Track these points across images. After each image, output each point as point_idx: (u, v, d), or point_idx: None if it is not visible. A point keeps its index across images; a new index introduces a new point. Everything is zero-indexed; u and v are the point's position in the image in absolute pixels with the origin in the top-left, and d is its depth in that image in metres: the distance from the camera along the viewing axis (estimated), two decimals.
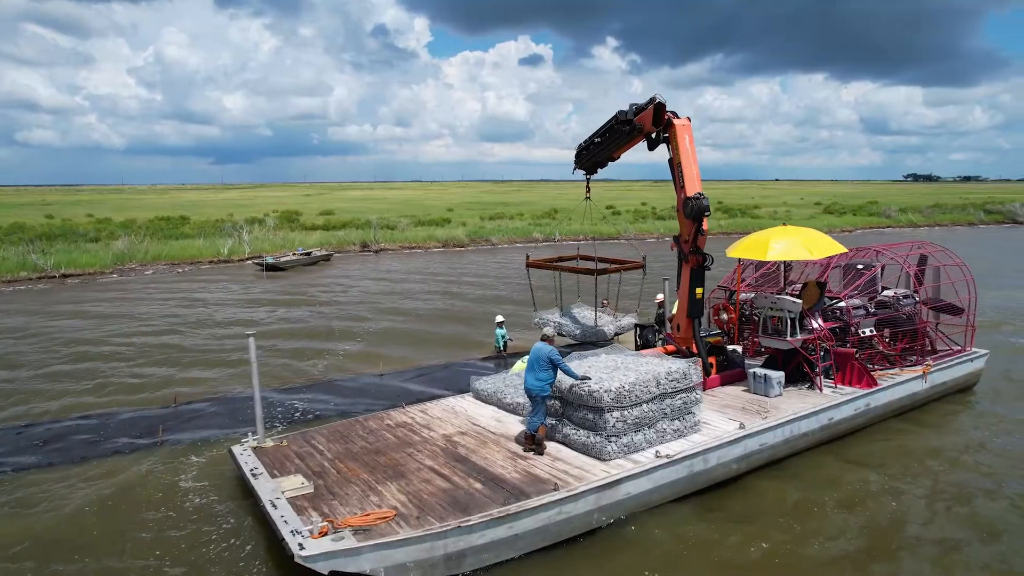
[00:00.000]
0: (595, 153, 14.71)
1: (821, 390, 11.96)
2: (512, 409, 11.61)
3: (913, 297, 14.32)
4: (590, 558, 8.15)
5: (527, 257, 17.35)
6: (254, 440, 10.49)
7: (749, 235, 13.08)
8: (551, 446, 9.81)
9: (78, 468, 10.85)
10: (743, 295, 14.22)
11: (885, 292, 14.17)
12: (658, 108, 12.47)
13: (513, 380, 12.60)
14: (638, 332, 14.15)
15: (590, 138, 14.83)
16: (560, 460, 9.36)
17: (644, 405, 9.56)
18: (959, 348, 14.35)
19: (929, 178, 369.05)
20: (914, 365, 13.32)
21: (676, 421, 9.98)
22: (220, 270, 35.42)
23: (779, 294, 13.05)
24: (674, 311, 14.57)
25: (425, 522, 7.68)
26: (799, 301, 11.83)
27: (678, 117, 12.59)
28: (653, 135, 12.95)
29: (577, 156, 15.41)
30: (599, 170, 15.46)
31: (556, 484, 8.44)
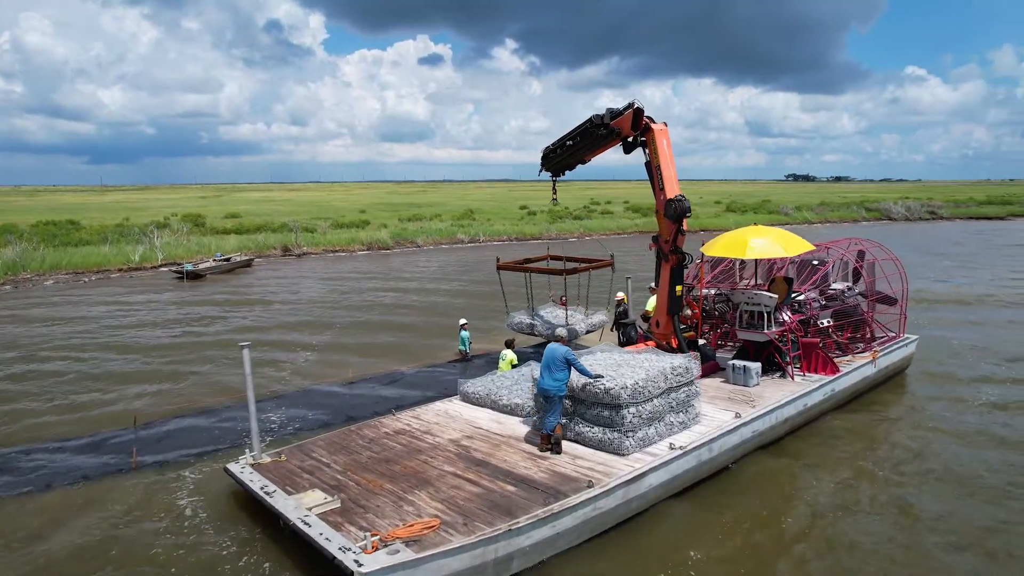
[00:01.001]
0: (566, 156, 14.98)
1: (793, 378, 12.83)
2: (510, 410, 11.67)
3: (854, 289, 15.60)
4: (600, 551, 8.41)
5: (497, 259, 17.42)
6: (251, 457, 10.00)
7: (723, 234, 13.79)
8: (565, 445, 9.97)
9: (47, 497, 9.91)
10: (703, 291, 14.97)
11: (834, 286, 15.35)
12: (637, 113, 12.90)
13: (504, 381, 12.65)
14: (620, 330, 14.56)
15: (560, 141, 15.08)
16: (580, 458, 9.54)
17: (655, 400, 9.92)
18: (894, 335, 15.76)
19: (807, 178, 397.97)
20: (863, 352, 14.52)
21: (681, 414, 10.41)
22: (133, 279, 32.97)
23: (732, 290, 13.89)
24: (647, 308, 15.15)
25: (473, 528, 7.64)
26: (775, 296, 12.63)
27: (654, 122, 13.10)
28: (630, 139, 13.41)
29: (544, 159, 15.63)
30: (566, 172, 15.79)
31: (590, 481, 8.62)
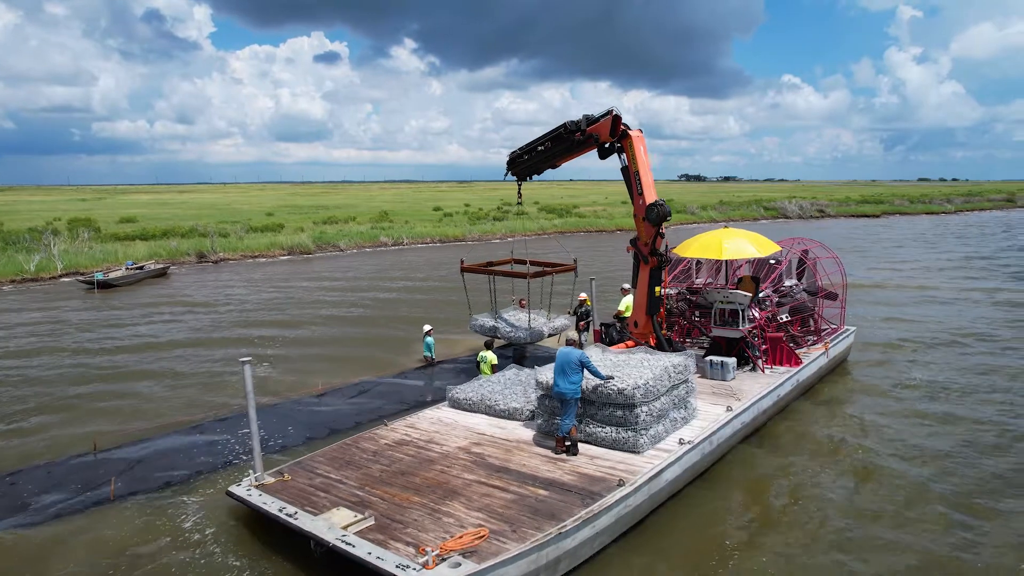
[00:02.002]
0: (536, 161, 15.17)
1: (763, 371, 13.64)
2: (508, 415, 11.71)
3: (799, 286, 16.77)
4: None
5: (462, 261, 17.33)
6: (255, 478, 9.51)
7: (696, 236, 14.43)
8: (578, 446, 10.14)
9: (18, 541, 8.98)
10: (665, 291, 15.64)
11: (786, 283, 16.43)
12: (615, 119, 13.29)
13: (493, 386, 12.65)
14: (603, 329, 14.91)
15: (530, 146, 15.26)
16: (598, 458, 9.75)
17: (663, 397, 10.30)
18: (836, 327, 17.07)
19: (699, 178, 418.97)
20: (815, 344, 15.64)
21: (681, 410, 10.86)
22: (29, 291, 30.03)
23: (708, 289, 14.62)
24: (620, 308, 15.59)
25: (524, 534, 7.66)
26: (748, 294, 13.38)
27: (630, 128, 13.53)
28: (607, 145, 13.78)
29: (511, 163, 15.76)
30: (534, 176, 15.98)
31: (621, 479, 8.84)
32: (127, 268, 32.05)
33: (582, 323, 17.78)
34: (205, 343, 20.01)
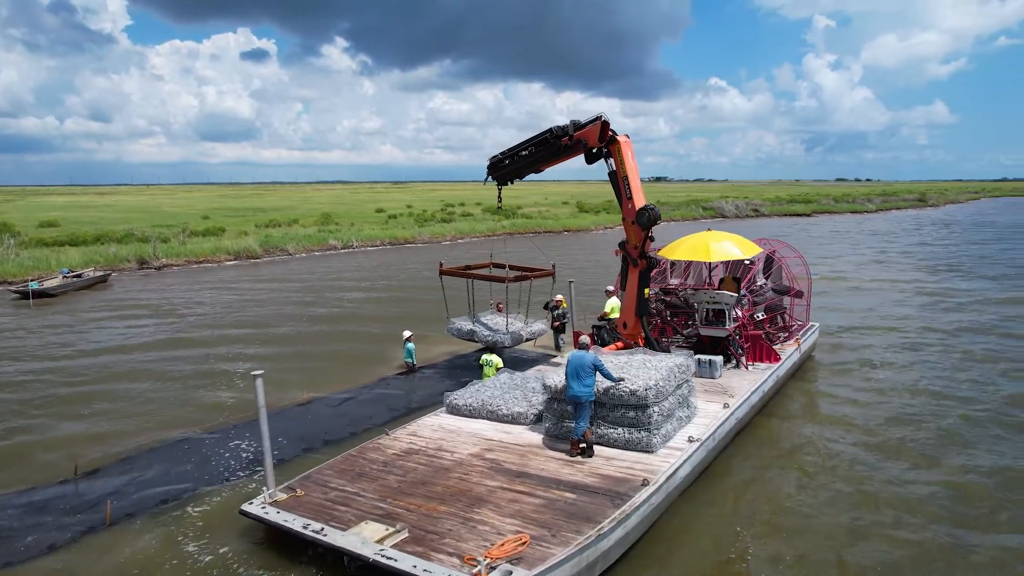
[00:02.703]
0: (519, 166, 15.28)
1: (747, 368, 14.17)
2: (512, 419, 11.74)
3: (767, 285, 17.49)
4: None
5: (440, 265, 17.22)
6: (268, 495, 9.22)
7: (683, 239, 14.79)
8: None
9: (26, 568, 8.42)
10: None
11: (757, 282, 17.10)
12: (604, 125, 13.54)
13: (491, 391, 12.64)
14: (594, 332, 15.10)
15: (512, 151, 15.36)
16: (614, 459, 9.93)
17: (671, 397, 10.58)
18: (802, 323, 17.89)
19: None
20: (787, 340, 16.35)
21: (685, 408, 11.17)
22: None
23: (695, 290, 15.08)
24: (606, 310, 15.85)
25: (564, 538, 7.74)
26: (735, 294, 13.87)
27: (617, 134, 13.80)
28: (594, 150, 14.01)
29: (492, 167, 15.83)
30: (515, 181, 16.07)
31: (645, 479, 9.04)
32: (64, 276, 30.20)
33: (556, 323, 18.00)
34: (167, 353, 19.12)
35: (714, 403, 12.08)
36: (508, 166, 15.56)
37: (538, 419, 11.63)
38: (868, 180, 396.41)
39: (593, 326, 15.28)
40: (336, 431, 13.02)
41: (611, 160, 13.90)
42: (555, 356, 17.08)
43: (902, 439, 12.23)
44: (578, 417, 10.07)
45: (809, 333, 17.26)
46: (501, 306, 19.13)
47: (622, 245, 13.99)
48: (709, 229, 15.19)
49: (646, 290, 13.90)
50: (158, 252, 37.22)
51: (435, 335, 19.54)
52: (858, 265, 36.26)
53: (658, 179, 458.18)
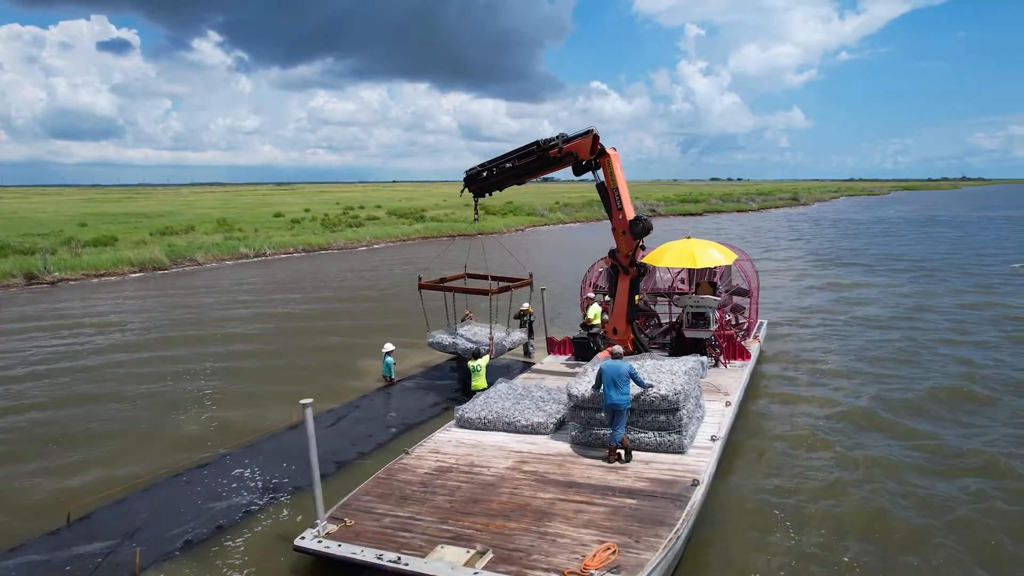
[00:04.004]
0: (501, 178, 15.44)
1: (726, 366, 15.16)
2: (531, 429, 11.91)
3: (719, 287, 18.72)
4: None
5: (419, 279, 17.03)
6: (321, 528, 8.90)
7: (667, 246, 15.46)
8: (622, 452, 10.69)
9: None
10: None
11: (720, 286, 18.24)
12: (595, 138, 14.02)
13: (502, 402, 12.69)
14: (591, 339, 15.48)
15: (492, 163, 15.52)
16: (655, 462, 10.38)
17: (692, 398, 11.20)
18: (754, 320, 19.29)
19: None
20: (746, 338, 17.59)
21: (699, 409, 11.84)
22: None
23: (679, 294, 15.95)
24: (589, 316, 16.34)
25: (648, 543, 8.08)
26: (718, 298, 14.78)
27: (605, 147, 14.31)
28: (583, 162, 14.45)
29: (470, 180, 15.93)
30: (491, 193, 16.23)
31: (695, 479, 9.56)
32: None
33: (523, 329, 18.39)
34: (119, 374, 17.55)
35: (715, 402, 12.86)
36: (487, 179, 15.69)
37: (557, 427, 11.89)
38: (740, 179, 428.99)
39: (589, 333, 15.69)
40: (342, 452, 12.64)
41: (599, 172, 14.39)
42: (533, 362, 17.42)
43: (866, 409, 14.17)
44: (616, 424, 10.44)
45: (762, 329, 18.65)
46: (471, 315, 19.21)
47: (612, 254, 14.53)
48: (689, 237, 16.06)
49: (636, 296, 14.52)
50: (49, 265, 33.72)
51: (410, 349, 19.16)
52: (772, 260, 39.22)
53: (545, 180, 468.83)
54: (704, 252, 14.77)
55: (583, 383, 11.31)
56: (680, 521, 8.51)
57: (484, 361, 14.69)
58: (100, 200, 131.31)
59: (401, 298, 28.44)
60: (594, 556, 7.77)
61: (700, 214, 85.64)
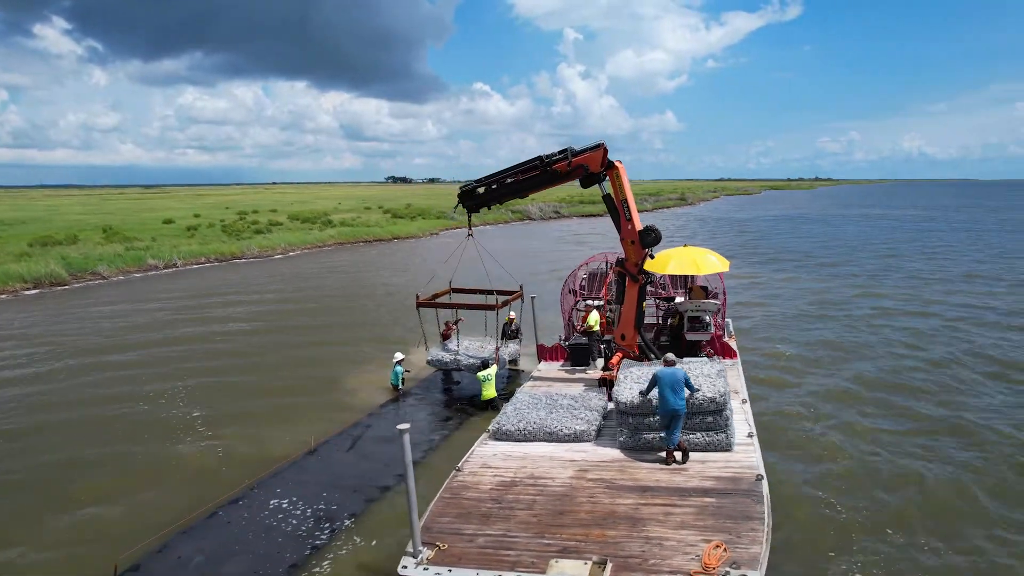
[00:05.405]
0: (501, 192, 15.60)
1: None
2: (574, 437, 12.20)
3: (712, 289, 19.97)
4: None
5: (417, 297, 16.87)
6: (424, 555, 8.81)
7: (667, 253, 16.17)
8: (677, 455, 11.29)
9: None
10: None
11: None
12: (605, 151, 14.54)
13: (539, 412, 12.86)
14: (603, 346, 15.91)
15: (493, 179, 15.62)
16: (708, 461, 11.04)
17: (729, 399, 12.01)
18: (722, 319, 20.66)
19: (405, 180, 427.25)
20: (720, 336, 18.83)
21: (728, 408, 12.69)
22: None
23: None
24: (589, 324, 16.85)
25: (748, 537, 8.66)
26: (717, 303, 15.76)
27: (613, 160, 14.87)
28: (592, 175, 14.91)
29: (465, 195, 15.95)
30: (491, 207, 16.35)
31: (759, 475, 10.30)
32: None
33: (516, 340, 18.72)
34: (84, 399, 15.96)
35: (732, 400, 13.76)
36: (484, 195, 15.76)
37: (598, 434, 12.32)
38: None
39: (603, 341, 16.15)
40: (378, 476, 12.35)
41: (606, 184, 14.92)
42: (521, 370, 17.80)
43: (844, 389, 16.58)
44: (673, 428, 11.01)
45: (732, 327, 20.05)
46: (449, 325, 19.21)
47: (621, 263, 15.11)
48: (686, 245, 16.96)
49: (644, 304, 15.20)
50: None
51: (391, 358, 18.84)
52: None
53: (431, 180, 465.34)
54: (704, 259, 15.70)
55: (630, 390, 11.79)
56: (765, 514, 9.21)
57: (493, 371, 14.89)
58: None
59: (349, 309, 27.77)
60: (709, 555, 8.27)
61: (601, 215, 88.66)
